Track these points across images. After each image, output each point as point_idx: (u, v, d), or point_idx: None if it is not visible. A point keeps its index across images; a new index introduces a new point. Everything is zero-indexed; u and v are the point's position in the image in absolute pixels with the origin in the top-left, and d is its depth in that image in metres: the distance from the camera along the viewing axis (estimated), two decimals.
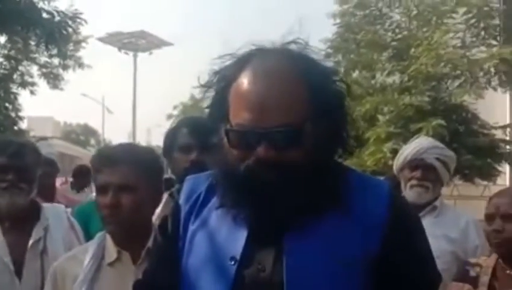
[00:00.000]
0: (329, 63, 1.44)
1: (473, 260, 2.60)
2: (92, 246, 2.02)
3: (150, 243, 1.96)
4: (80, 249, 2.14)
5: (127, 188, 1.94)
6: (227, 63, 1.42)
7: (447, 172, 3.12)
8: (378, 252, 1.34)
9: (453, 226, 3.05)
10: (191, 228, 1.46)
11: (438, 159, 3.08)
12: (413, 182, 3.07)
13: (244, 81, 1.34)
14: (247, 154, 1.33)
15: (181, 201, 1.52)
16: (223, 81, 1.41)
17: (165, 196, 2.18)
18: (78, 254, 2.07)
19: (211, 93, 1.44)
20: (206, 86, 1.45)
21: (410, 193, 3.08)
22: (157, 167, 2.08)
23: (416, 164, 3.09)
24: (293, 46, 1.40)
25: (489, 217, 2.45)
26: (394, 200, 1.42)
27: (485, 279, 2.42)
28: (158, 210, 2.25)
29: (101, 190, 1.96)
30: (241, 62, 1.39)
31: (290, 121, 1.30)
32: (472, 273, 2.49)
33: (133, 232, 1.97)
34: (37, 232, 2.44)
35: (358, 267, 1.32)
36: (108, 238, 2.01)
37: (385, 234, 1.35)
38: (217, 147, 1.43)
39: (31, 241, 2.41)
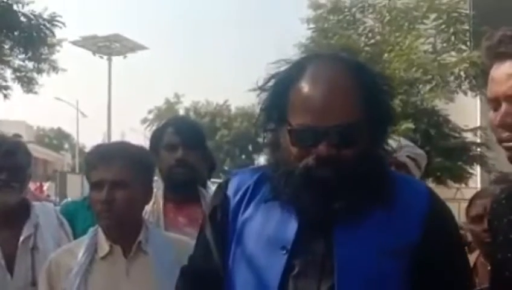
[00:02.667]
0: (376, 68, 1.56)
1: None
2: (85, 240, 2.10)
3: (140, 237, 2.06)
4: (74, 243, 2.20)
5: (121, 184, 2.01)
6: (283, 68, 1.52)
7: (417, 169, 3.23)
8: (419, 242, 1.45)
9: None
10: (240, 218, 1.54)
11: (408, 156, 3.20)
12: None
13: (305, 84, 1.44)
14: (307, 153, 1.42)
15: (229, 193, 1.59)
16: (281, 85, 1.49)
17: (213, 188, 2.23)
18: (72, 248, 2.14)
19: (266, 95, 1.54)
20: (263, 89, 1.54)
21: None
22: (149, 164, 2.17)
23: (389, 162, 3.23)
24: (342, 55, 1.53)
25: (477, 218, 2.51)
26: (432, 196, 1.54)
27: None
28: (207, 200, 2.35)
29: (96, 186, 2.03)
30: (299, 66, 1.49)
31: (347, 120, 1.41)
32: None
33: (126, 226, 2.05)
34: (27, 229, 2.48)
35: (402, 256, 1.44)
36: (101, 232, 2.09)
37: (425, 225, 1.46)
38: (275, 146, 1.53)
39: (21, 238, 2.46)
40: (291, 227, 1.46)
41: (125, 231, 2.06)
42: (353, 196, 1.42)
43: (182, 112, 54.52)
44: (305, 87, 1.44)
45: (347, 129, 1.41)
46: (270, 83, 1.53)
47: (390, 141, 1.66)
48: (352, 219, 1.43)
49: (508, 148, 1.45)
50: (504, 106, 1.42)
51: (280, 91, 1.50)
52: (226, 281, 1.55)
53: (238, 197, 1.57)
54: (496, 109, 1.45)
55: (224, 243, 1.56)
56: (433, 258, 1.46)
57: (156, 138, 2.72)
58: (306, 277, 1.44)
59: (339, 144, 1.41)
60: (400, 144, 3.27)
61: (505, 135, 1.44)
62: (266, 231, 1.49)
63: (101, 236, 2.09)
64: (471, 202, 2.63)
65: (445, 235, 1.50)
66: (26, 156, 2.57)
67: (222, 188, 1.63)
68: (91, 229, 2.13)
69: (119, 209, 2.01)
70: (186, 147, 2.59)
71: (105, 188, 2.01)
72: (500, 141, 1.46)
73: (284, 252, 1.45)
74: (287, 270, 1.44)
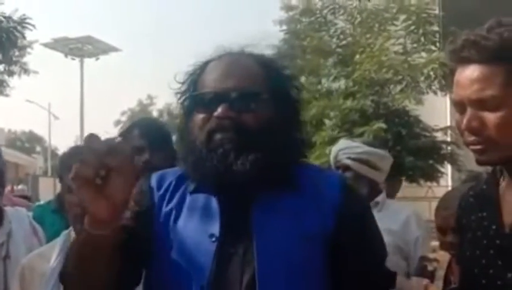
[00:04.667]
0: (287, 69, 1.67)
1: (431, 256, 2.74)
2: (58, 243, 2.10)
3: None
4: (46, 247, 2.19)
5: None
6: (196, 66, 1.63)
7: (370, 168, 3.23)
8: (333, 230, 1.53)
9: (394, 219, 3.20)
10: (164, 210, 1.59)
11: (349, 158, 3.22)
12: None
13: (211, 65, 1.58)
14: (209, 118, 1.51)
15: (153, 185, 1.65)
16: (193, 77, 1.61)
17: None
18: (45, 252, 2.13)
19: (182, 92, 1.63)
20: (181, 83, 1.63)
21: None
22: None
23: (336, 166, 3.27)
24: (249, 50, 1.63)
25: (441, 230, 2.57)
26: (346, 186, 1.63)
27: (440, 273, 2.56)
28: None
29: (70, 189, 2.02)
30: (209, 59, 1.61)
31: (246, 85, 1.52)
32: (430, 267, 2.63)
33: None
34: (0, 237, 2.46)
35: (317, 241, 1.51)
36: (74, 235, 2.08)
37: (338, 214, 1.54)
38: (185, 135, 1.60)
39: None
40: (215, 215, 1.53)
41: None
42: (255, 160, 1.48)
43: (155, 114, 54.34)
44: (210, 67, 1.58)
45: (245, 93, 1.51)
46: (186, 81, 1.63)
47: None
48: (266, 203, 1.50)
49: (475, 151, 1.49)
50: (469, 110, 1.46)
51: (192, 82, 1.61)
52: (155, 272, 1.57)
53: (162, 190, 1.62)
54: (461, 112, 1.49)
55: (151, 237, 1.58)
56: (349, 248, 1.54)
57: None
58: (232, 263, 1.49)
59: (239, 108, 1.49)
60: (339, 147, 3.30)
61: (471, 138, 1.47)
62: (193, 220, 1.55)
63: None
64: (436, 211, 2.67)
65: (358, 223, 1.58)
66: (3, 162, 2.55)
67: (145, 180, 1.66)
68: (64, 233, 2.13)
69: None
70: (153, 149, 2.60)
71: None
72: (467, 144, 1.50)
73: (214, 239, 1.50)
74: (217, 257, 1.49)
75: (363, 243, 1.57)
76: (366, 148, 3.26)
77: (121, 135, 2.78)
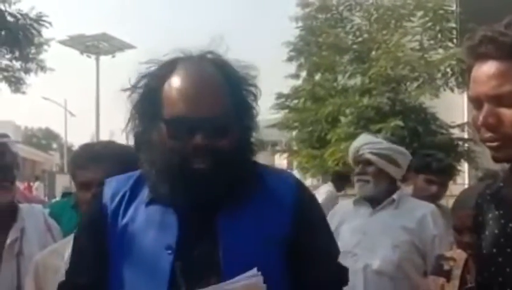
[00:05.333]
0: (246, 71, 1.63)
1: (448, 254, 2.71)
2: (71, 240, 2.10)
3: None
4: (60, 243, 2.19)
5: None
6: (154, 67, 1.58)
7: (390, 164, 3.23)
8: (290, 230, 1.55)
9: (410, 217, 3.18)
10: (121, 224, 1.56)
11: (371, 152, 3.22)
12: (357, 177, 3.26)
13: (176, 79, 1.52)
14: (184, 144, 1.48)
15: (106, 200, 1.61)
16: (153, 82, 1.56)
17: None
18: (58, 248, 2.13)
19: (138, 95, 1.59)
20: (135, 87, 1.60)
21: (356, 188, 3.28)
22: (136, 163, 2.16)
23: (357, 160, 3.27)
24: (210, 55, 1.60)
25: (457, 230, 2.53)
26: (299, 187, 1.65)
27: (457, 272, 2.54)
28: None
29: (84, 186, 2.04)
30: (170, 65, 1.56)
31: (220, 111, 1.49)
32: (446, 267, 2.61)
33: None
34: (13, 234, 2.48)
35: (280, 244, 1.53)
36: None
37: (294, 212, 1.56)
38: (149, 144, 1.56)
39: (7, 242, 2.46)
40: (173, 225, 1.52)
41: None
42: (227, 185, 1.50)
43: None
44: (177, 81, 1.52)
45: (220, 120, 1.49)
46: (142, 83, 1.58)
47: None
48: (230, 210, 1.51)
49: (491, 148, 1.48)
50: (486, 107, 1.44)
51: (151, 89, 1.55)
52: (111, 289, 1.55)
53: (115, 203, 1.59)
54: (478, 108, 1.47)
55: (105, 252, 1.57)
56: (304, 245, 1.56)
57: None
58: (195, 275, 1.47)
59: (214, 135, 1.49)
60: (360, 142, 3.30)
61: (488, 135, 1.45)
62: (150, 232, 1.53)
63: None
64: (452, 210, 2.64)
65: (311, 221, 1.61)
66: (14, 156, 2.57)
67: (97, 197, 1.63)
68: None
69: None
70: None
71: (94, 188, 2.00)
72: (483, 141, 1.48)
73: (170, 251, 1.49)
74: (175, 270, 1.47)
75: (317, 240, 1.61)
76: (388, 144, 3.28)
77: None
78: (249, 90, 1.61)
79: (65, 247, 2.09)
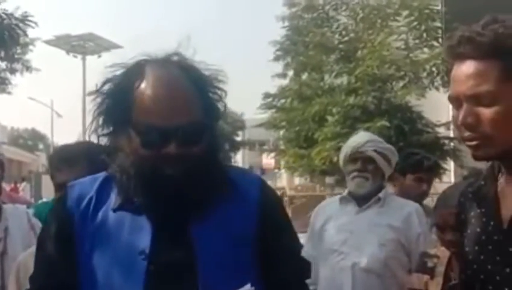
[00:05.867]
0: (213, 73, 1.61)
1: (431, 252, 2.71)
2: None
3: None
4: None
5: None
6: (119, 71, 1.54)
7: (386, 164, 3.27)
8: (256, 229, 1.56)
9: (396, 215, 3.19)
10: (89, 230, 1.52)
11: (375, 151, 3.24)
12: (354, 173, 3.24)
13: (147, 86, 1.48)
14: (157, 152, 1.45)
15: (71, 204, 1.56)
16: (120, 87, 1.52)
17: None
18: None
19: (103, 99, 1.55)
20: (101, 93, 1.55)
21: (351, 184, 3.26)
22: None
23: (356, 157, 3.26)
24: (176, 58, 1.57)
25: (440, 228, 2.56)
26: (263, 185, 1.68)
27: (440, 269, 2.55)
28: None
29: (60, 187, 2.01)
30: (137, 69, 1.52)
31: (193, 119, 1.48)
32: (430, 264, 2.62)
33: None
34: None
35: (250, 243, 1.55)
36: None
37: (260, 211, 1.58)
38: (117, 149, 1.54)
39: None
40: (146, 230, 1.49)
41: None
42: (200, 191, 1.48)
43: None
44: (147, 88, 1.49)
45: (192, 128, 1.48)
46: (107, 87, 1.55)
47: None
48: (202, 214, 1.50)
49: (470, 147, 1.49)
50: (465, 106, 1.45)
51: (120, 94, 1.52)
52: None
53: (82, 207, 1.55)
54: (457, 107, 1.48)
55: (73, 257, 1.52)
56: (269, 243, 1.57)
57: None
58: (170, 279, 1.47)
59: (186, 142, 1.47)
60: (364, 139, 3.32)
61: (467, 134, 1.47)
62: (121, 238, 1.50)
63: None
64: (435, 208, 2.67)
65: (276, 219, 1.63)
66: None
67: (61, 201, 1.60)
68: None
69: None
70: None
71: None
72: (463, 140, 1.49)
73: (143, 257, 1.47)
74: (150, 275, 1.46)
75: (281, 237, 1.62)
76: (386, 144, 3.32)
77: None
78: (215, 93, 1.59)
79: None
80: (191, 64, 1.57)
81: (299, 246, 1.75)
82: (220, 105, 1.60)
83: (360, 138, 3.35)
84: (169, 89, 1.49)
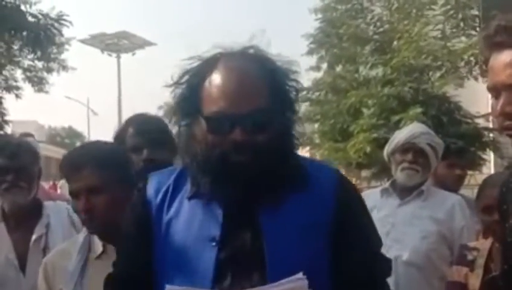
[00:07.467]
0: (288, 65, 1.63)
1: (471, 244, 2.70)
2: (79, 239, 2.08)
3: None
4: (68, 243, 2.15)
5: (96, 190, 1.96)
6: (196, 63, 1.60)
7: (435, 158, 3.24)
8: (332, 220, 1.55)
9: (439, 207, 3.16)
10: (165, 218, 1.58)
11: (428, 144, 3.20)
12: (405, 164, 3.19)
13: (217, 75, 1.54)
14: (223, 139, 1.49)
15: (150, 195, 1.62)
16: (195, 79, 1.57)
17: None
18: (67, 248, 2.11)
19: (180, 90, 1.60)
20: (177, 84, 1.61)
21: (400, 175, 3.20)
22: (121, 160, 2.10)
23: (407, 147, 3.20)
24: (252, 50, 1.60)
25: (486, 209, 2.50)
26: (341, 177, 1.67)
27: (480, 261, 2.54)
28: None
29: (74, 195, 2.01)
30: (211, 61, 1.57)
31: (259, 106, 1.51)
32: (469, 257, 2.60)
33: (114, 228, 1.90)
34: (39, 230, 2.54)
35: (320, 233, 1.54)
36: None
37: (336, 203, 1.57)
38: (188, 138, 1.59)
39: (33, 238, 2.52)
40: (217, 217, 1.53)
41: (115, 232, 1.91)
42: (270, 179, 1.51)
43: None
44: (217, 78, 1.54)
45: (259, 114, 1.51)
46: (184, 79, 1.60)
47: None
48: (274, 203, 1.52)
49: (510, 136, 1.47)
50: (503, 95, 1.44)
51: (193, 85, 1.57)
52: (157, 282, 1.56)
53: (159, 198, 1.61)
54: (496, 97, 1.47)
55: (150, 246, 1.59)
56: (345, 235, 1.56)
57: (118, 141, 2.58)
58: (239, 266, 1.49)
59: (253, 129, 1.50)
60: (417, 130, 3.26)
61: (506, 123, 1.45)
62: (194, 225, 1.55)
63: (94, 236, 2.07)
64: (479, 192, 2.61)
65: (353, 214, 1.62)
66: (31, 155, 2.61)
67: (141, 192, 1.65)
68: (84, 229, 2.11)
69: (101, 215, 1.96)
70: (151, 146, 2.49)
71: (82, 197, 1.97)
72: (503, 129, 1.48)
73: (214, 243, 1.50)
74: (220, 262, 1.49)
75: (359, 231, 1.61)
76: (439, 138, 3.30)
77: (117, 135, 2.63)
78: (290, 85, 1.61)
79: (72, 247, 2.08)
80: (266, 56, 1.59)
81: (380, 244, 1.69)
82: (293, 96, 1.61)
83: (415, 129, 3.30)
84: (238, 76, 1.53)
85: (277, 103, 1.55)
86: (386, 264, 1.68)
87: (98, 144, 2.19)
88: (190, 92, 1.58)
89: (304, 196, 1.55)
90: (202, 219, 1.54)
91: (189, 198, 1.58)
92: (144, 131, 2.54)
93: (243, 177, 1.48)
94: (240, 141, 1.48)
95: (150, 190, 1.63)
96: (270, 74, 1.56)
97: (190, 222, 1.55)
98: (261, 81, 1.54)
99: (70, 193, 2.05)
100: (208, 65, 1.57)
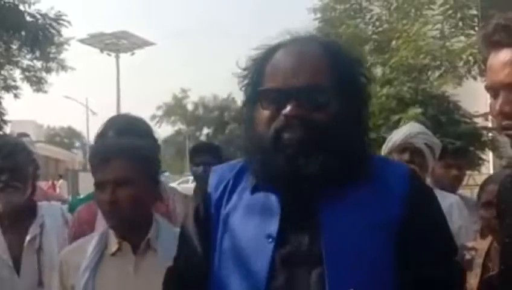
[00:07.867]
0: (355, 55, 1.60)
1: (469, 244, 2.69)
2: (95, 236, 2.09)
3: (150, 234, 2.03)
4: (84, 239, 2.17)
5: (124, 183, 1.97)
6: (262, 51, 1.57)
7: (432, 158, 3.23)
8: (400, 220, 1.47)
9: None
10: (223, 212, 1.56)
11: (425, 144, 3.18)
12: None
13: (278, 55, 1.52)
14: (277, 115, 1.45)
15: (210, 189, 1.61)
16: (258, 64, 1.55)
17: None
18: (83, 244, 2.11)
19: (247, 79, 1.58)
20: (246, 70, 1.59)
21: None
22: (151, 157, 2.12)
23: (404, 147, 3.19)
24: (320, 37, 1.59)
25: (487, 204, 2.50)
26: (413, 177, 1.58)
27: (478, 261, 2.54)
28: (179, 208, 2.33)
29: (99, 186, 2.01)
30: (276, 46, 1.55)
31: (315, 82, 1.46)
32: (467, 256, 2.58)
33: (133, 224, 2.00)
34: (33, 230, 2.53)
35: (385, 232, 1.45)
36: (110, 229, 2.06)
37: (406, 204, 1.48)
38: (248, 125, 1.55)
39: (27, 239, 2.50)
40: (275, 214, 1.48)
41: (134, 229, 2.02)
42: (326, 160, 1.43)
43: (190, 107, 54.62)
44: (278, 57, 1.52)
45: (314, 90, 1.45)
46: (251, 66, 1.58)
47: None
48: (333, 199, 1.45)
49: (509, 136, 1.46)
50: (502, 95, 1.43)
51: (257, 70, 1.55)
52: (213, 277, 1.54)
53: (219, 191, 1.59)
54: (495, 97, 1.46)
55: (209, 240, 1.57)
56: (417, 235, 1.48)
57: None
58: (295, 264, 1.44)
59: (308, 106, 1.44)
60: (415, 130, 3.25)
61: (505, 122, 1.45)
62: (251, 220, 1.51)
63: (111, 233, 2.07)
64: (481, 188, 2.61)
65: (427, 213, 1.53)
66: (27, 156, 2.60)
67: (202, 187, 1.64)
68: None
69: (125, 209, 1.97)
70: None
71: (108, 188, 1.98)
72: (502, 129, 1.47)
73: (270, 240, 1.45)
74: (275, 259, 1.45)
75: (431, 234, 1.51)
76: (436, 138, 3.29)
77: (97, 138, 2.59)
78: (360, 72, 1.56)
79: (88, 243, 2.08)
80: (332, 40, 1.59)
81: (454, 248, 1.59)
82: (361, 84, 1.55)
83: (412, 128, 3.29)
84: (297, 53, 1.51)
85: (340, 85, 1.48)
86: (458, 272, 1.59)
87: (131, 138, 2.18)
88: (253, 77, 1.55)
89: (369, 192, 1.47)
90: (260, 214, 1.50)
91: (251, 191, 1.54)
92: (122, 133, 2.47)
93: (294, 156, 1.42)
94: (291, 115, 1.42)
95: (211, 185, 1.62)
96: (333, 57, 1.51)
97: (248, 218, 1.52)
98: (322, 60, 1.50)
99: (96, 184, 2.04)
100: (272, 50, 1.55)
